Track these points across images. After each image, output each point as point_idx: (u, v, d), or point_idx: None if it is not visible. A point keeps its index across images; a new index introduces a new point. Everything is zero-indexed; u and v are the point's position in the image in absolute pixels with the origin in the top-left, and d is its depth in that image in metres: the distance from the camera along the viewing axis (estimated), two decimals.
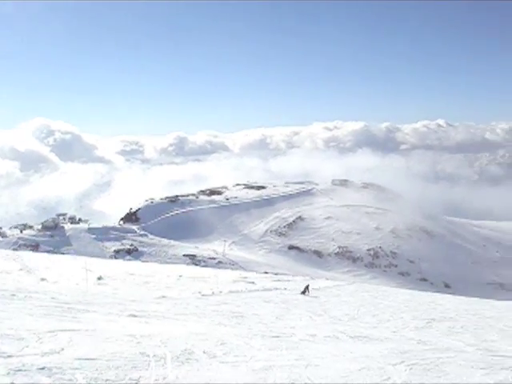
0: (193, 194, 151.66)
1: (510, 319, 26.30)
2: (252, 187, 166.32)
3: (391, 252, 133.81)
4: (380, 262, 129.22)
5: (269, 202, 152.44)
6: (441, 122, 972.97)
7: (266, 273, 68.82)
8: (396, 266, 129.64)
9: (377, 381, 10.44)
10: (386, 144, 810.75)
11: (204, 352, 11.69)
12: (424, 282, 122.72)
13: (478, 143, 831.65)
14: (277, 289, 31.93)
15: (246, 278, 39.41)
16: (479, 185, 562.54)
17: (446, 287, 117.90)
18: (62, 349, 10.70)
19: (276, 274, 57.81)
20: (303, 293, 30.91)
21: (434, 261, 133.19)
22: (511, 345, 17.07)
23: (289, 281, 40.69)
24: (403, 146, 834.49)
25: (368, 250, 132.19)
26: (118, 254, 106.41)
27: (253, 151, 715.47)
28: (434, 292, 61.63)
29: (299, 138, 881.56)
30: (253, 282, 35.23)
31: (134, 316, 16.39)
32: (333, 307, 24.50)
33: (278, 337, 14.52)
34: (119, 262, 69.66)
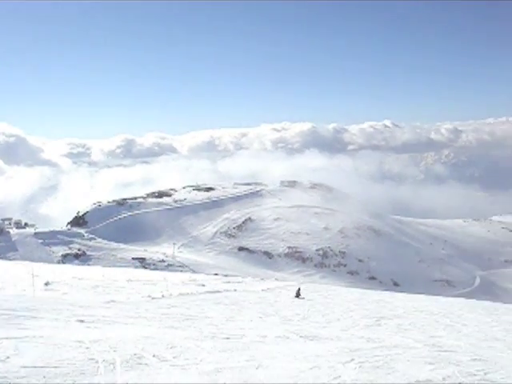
0: (141, 197, 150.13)
1: (457, 315, 26.78)
2: (201, 189, 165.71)
3: (340, 251, 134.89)
4: (329, 262, 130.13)
5: (218, 204, 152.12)
6: (387, 122, 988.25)
7: (216, 274, 68.68)
8: (345, 265, 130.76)
9: (327, 379, 10.50)
10: (333, 145, 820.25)
11: (154, 356, 11.58)
12: (373, 280, 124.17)
13: (423, 143, 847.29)
14: (227, 290, 31.90)
15: (195, 280, 39.27)
16: (425, 184, 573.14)
17: (395, 285, 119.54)
18: (8, 357, 10.47)
19: (226, 276, 57.71)
20: (297, 296, 31.44)
21: (383, 259, 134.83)
22: (458, 340, 17.37)
23: (239, 282, 40.68)
24: (350, 147, 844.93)
25: (317, 250, 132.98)
26: (65, 258, 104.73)
27: (201, 153, 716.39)
28: (383, 290, 62.42)
29: (247, 140, 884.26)
30: (203, 284, 35.11)
31: (83, 321, 16.14)
32: (283, 307, 24.56)
33: (228, 338, 14.48)
34: (67, 266, 68.55)
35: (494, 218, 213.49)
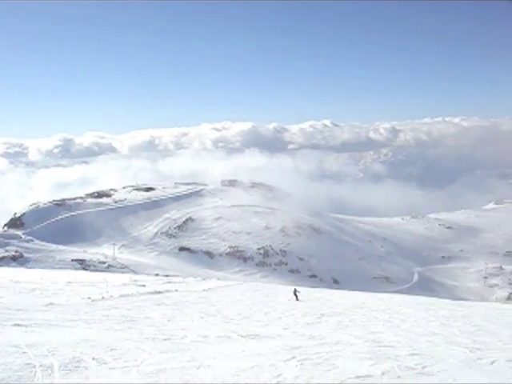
0: (80, 197, 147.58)
1: (395, 311, 27.23)
2: (141, 189, 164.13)
3: (281, 250, 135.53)
4: (270, 261, 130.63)
5: (158, 204, 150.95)
6: (327, 122, 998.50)
7: (157, 275, 68.32)
8: (286, 263, 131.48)
9: (268, 378, 10.54)
10: (274, 144, 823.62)
11: (93, 359, 11.43)
12: (314, 278, 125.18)
13: (362, 142, 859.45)
14: (168, 291, 31.73)
15: (136, 281, 38.97)
16: (364, 182, 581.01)
17: (335, 283, 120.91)
18: None
19: (167, 276, 57.45)
20: (297, 299, 32.14)
21: (323, 257, 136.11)
22: (396, 335, 17.65)
23: (180, 282, 40.52)
24: (291, 146, 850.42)
25: (258, 249, 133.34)
26: (2, 261, 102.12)
27: (141, 152, 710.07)
28: (324, 288, 63.00)
29: (188, 139, 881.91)
30: (144, 285, 34.86)
31: (19, 325, 15.81)
32: (225, 307, 24.56)
33: (169, 339, 14.39)
34: (3, 269, 67.14)
35: (431, 215, 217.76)
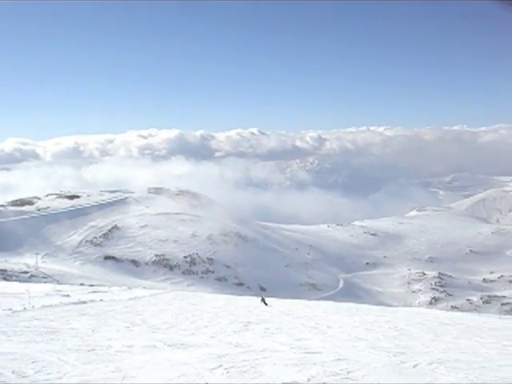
0: (1, 205, 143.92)
1: (321, 317, 27.50)
2: (65, 197, 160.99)
3: (208, 258, 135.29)
4: (197, 269, 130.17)
5: (83, 212, 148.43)
6: (254, 130, 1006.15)
7: (82, 284, 67.06)
8: (213, 271, 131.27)
9: None
10: (200, 151, 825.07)
11: (13, 372, 11.09)
12: (241, 286, 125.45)
13: (289, 150, 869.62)
14: (93, 301, 31.12)
15: (60, 291, 38.08)
16: (290, 190, 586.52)
17: (262, 290, 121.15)
18: None
19: (92, 286, 56.41)
20: (265, 304, 34.54)
21: (250, 265, 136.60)
22: (323, 341, 17.82)
23: (105, 292, 39.83)
24: (218, 154, 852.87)
25: (185, 257, 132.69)
26: None
27: (65, 159, 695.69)
28: (251, 295, 63.12)
29: (113, 146, 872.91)
30: (67, 295, 34.09)
31: None
32: (151, 316, 24.25)
33: (93, 350, 14.11)
34: None
35: (356, 222, 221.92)
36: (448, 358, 15.03)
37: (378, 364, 13.58)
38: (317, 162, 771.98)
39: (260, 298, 37.36)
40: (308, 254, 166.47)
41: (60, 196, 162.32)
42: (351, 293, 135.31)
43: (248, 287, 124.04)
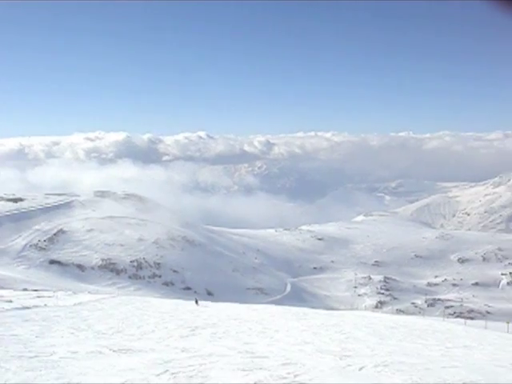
0: None
1: (269, 321, 27.58)
2: (9, 199, 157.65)
3: (155, 263, 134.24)
4: (144, 273, 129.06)
5: (28, 215, 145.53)
6: (202, 134, 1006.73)
7: (26, 290, 65.83)
8: (160, 276, 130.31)
9: None
10: (148, 155, 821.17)
11: None
12: (188, 290, 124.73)
13: (237, 155, 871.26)
14: (37, 306, 30.58)
15: (2, 296, 37.36)
16: (238, 195, 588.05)
17: (209, 294, 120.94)
18: None
19: (36, 291, 55.49)
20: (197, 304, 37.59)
21: (197, 269, 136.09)
22: (270, 345, 17.84)
23: (50, 297, 39.21)
24: (165, 157, 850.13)
25: (131, 261, 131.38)
26: None
27: (9, 161, 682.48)
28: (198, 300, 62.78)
29: (59, 148, 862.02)
30: (10, 301, 33.43)
31: None
32: (96, 321, 23.95)
33: (37, 356, 13.82)
34: None
35: (304, 227, 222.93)
36: (393, 361, 15.25)
37: (324, 367, 13.67)
38: (265, 166, 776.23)
39: (194, 300, 41.00)
40: (255, 258, 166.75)
41: (3, 199, 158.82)
42: (298, 297, 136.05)
43: (195, 292, 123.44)
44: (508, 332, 36.45)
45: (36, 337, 17.83)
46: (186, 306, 37.50)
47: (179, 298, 64.67)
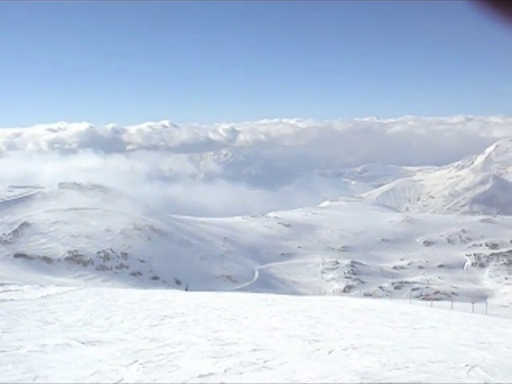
0: None
1: (237, 308, 27.62)
2: None
3: (122, 253, 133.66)
4: (111, 264, 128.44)
5: None
6: (165, 122, 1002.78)
7: None
8: (127, 266, 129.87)
9: (110, 383, 10.31)
10: (112, 145, 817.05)
11: None
12: (156, 280, 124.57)
13: (202, 143, 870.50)
14: (3, 300, 30.20)
15: None
16: (204, 183, 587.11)
17: (178, 283, 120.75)
18: None
19: (2, 285, 54.77)
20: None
21: (165, 259, 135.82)
22: (239, 332, 17.88)
23: (16, 291, 38.71)
24: (129, 147, 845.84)
25: (98, 252, 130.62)
26: None
27: None
28: (166, 289, 62.82)
29: (21, 140, 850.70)
30: None
31: None
32: (64, 314, 23.71)
33: (3, 351, 13.63)
34: None
35: (270, 214, 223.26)
36: (361, 343, 15.39)
37: (294, 352, 13.75)
38: (230, 154, 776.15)
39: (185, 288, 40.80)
40: (223, 245, 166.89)
41: None
42: (267, 283, 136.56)
43: (164, 281, 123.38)
44: (473, 312, 37.01)
45: (2, 332, 17.61)
46: (154, 295, 37.34)
47: (147, 288, 64.43)
